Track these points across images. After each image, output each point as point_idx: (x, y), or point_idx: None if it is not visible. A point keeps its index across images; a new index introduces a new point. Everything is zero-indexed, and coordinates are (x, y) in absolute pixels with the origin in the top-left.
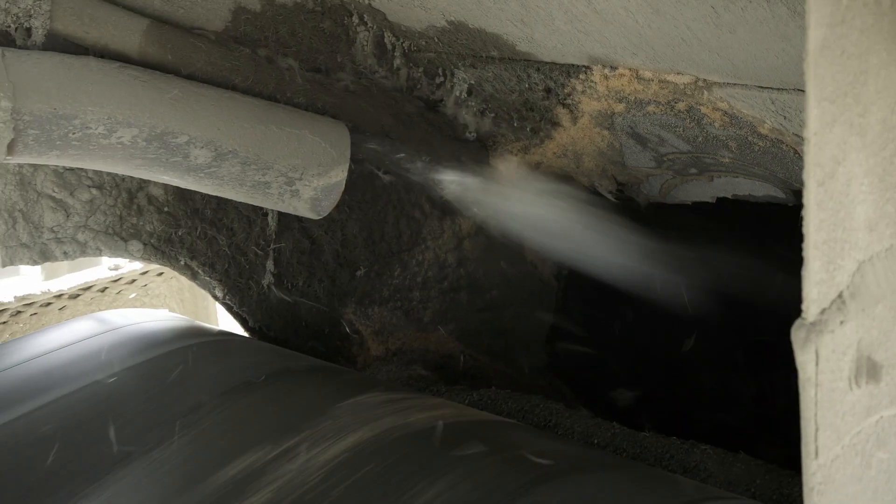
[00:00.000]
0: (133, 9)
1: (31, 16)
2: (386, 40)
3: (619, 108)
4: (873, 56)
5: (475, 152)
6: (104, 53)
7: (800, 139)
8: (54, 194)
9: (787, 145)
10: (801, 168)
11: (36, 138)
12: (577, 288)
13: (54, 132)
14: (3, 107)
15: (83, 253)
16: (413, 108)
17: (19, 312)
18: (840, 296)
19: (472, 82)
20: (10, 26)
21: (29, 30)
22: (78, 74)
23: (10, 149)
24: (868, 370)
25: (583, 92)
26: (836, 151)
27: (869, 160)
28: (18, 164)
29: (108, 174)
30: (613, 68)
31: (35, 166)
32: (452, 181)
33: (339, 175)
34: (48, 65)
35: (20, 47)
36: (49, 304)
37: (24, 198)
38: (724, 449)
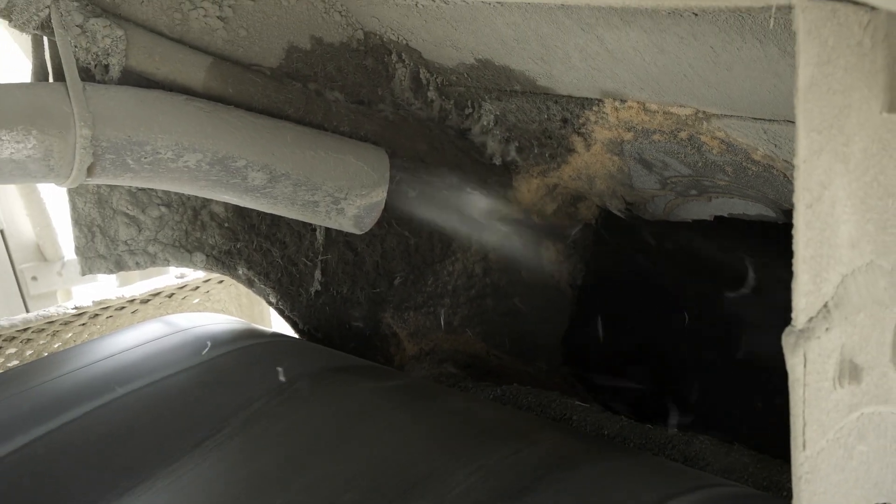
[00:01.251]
0: (198, 48)
1: (108, 54)
2: (421, 76)
3: (628, 136)
4: (856, 92)
5: (500, 175)
6: (172, 87)
7: (789, 165)
8: (128, 211)
9: (777, 170)
10: (789, 190)
11: (112, 162)
12: (590, 295)
13: (128, 157)
14: (84, 134)
15: (153, 263)
16: (445, 136)
17: (97, 315)
18: (826, 305)
19: (498, 113)
20: (90, 63)
21: (107, 66)
22: (149, 106)
23: (90, 171)
24: (850, 372)
25: (596, 122)
26: (822, 177)
27: (852, 185)
28: (97, 184)
29: (176, 194)
30: (623, 101)
31: (111, 187)
32: (479, 200)
33: (380, 195)
34: (123, 97)
35: (99, 82)
36: (123, 307)
37: (101, 214)
38: (720, 440)
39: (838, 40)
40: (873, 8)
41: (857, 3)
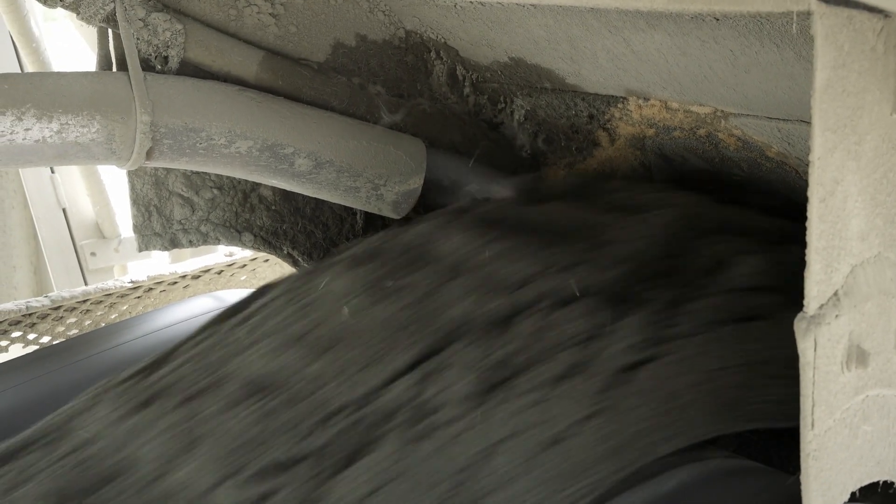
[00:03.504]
0: (251, 42)
1: (168, 47)
2: (458, 72)
3: (650, 132)
4: (868, 94)
5: (529, 167)
6: (226, 78)
7: (801, 162)
8: (183, 193)
9: (790, 166)
10: (801, 186)
11: (169, 147)
12: None
13: (184, 142)
14: (144, 121)
15: (205, 242)
16: (478, 129)
17: (151, 289)
18: (836, 294)
19: (528, 109)
20: (150, 55)
21: (166, 58)
22: (205, 95)
23: (149, 155)
24: (858, 357)
25: (620, 118)
26: (835, 173)
27: (863, 181)
28: (154, 167)
29: (227, 177)
30: (646, 99)
31: (167, 169)
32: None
33: (417, 182)
34: (181, 87)
35: (158, 72)
36: (175, 282)
37: (158, 195)
38: None
39: (853, 45)
40: (887, 15)
41: (871, 10)
